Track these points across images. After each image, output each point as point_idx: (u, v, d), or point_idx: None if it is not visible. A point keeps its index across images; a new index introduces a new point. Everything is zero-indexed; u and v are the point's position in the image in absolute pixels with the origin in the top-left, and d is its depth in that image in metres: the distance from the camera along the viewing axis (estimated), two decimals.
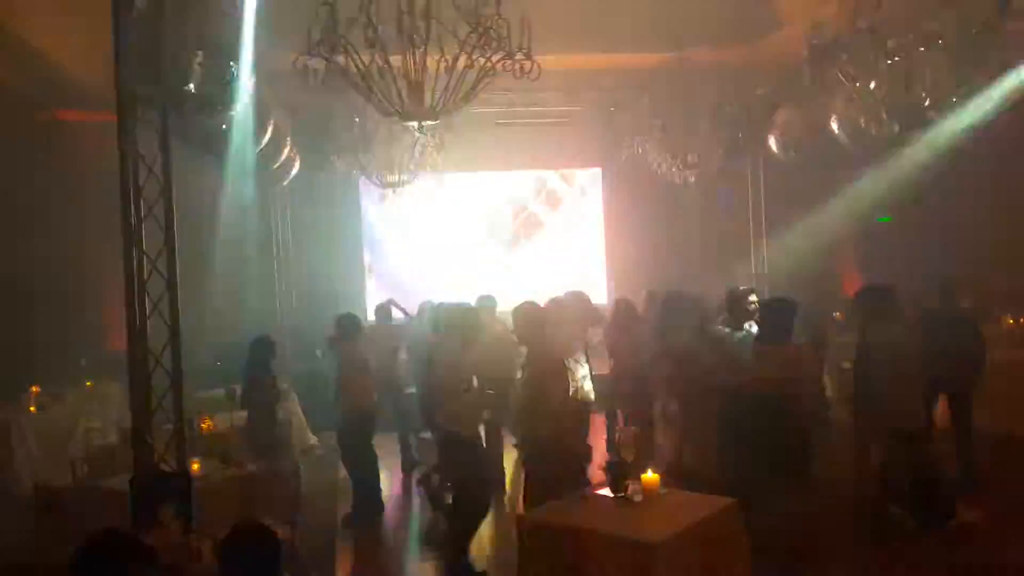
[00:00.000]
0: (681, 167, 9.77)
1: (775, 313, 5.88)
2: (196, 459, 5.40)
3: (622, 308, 7.80)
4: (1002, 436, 7.34)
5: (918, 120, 6.76)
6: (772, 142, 10.30)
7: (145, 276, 4.97)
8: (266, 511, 5.00)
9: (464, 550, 5.68)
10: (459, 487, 5.91)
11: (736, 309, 6.55)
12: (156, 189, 5.03)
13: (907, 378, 5.66)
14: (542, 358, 5.41)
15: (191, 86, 5.37)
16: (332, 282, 11.66)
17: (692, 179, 10.04)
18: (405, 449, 8.21)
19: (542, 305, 5.84)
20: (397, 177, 9.27)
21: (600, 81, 9.77)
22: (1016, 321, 9.00)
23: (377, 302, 9.29)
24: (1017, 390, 7.58)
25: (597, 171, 13.00)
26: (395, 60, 4.83)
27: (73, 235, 9.12)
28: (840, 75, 6.77)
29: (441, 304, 7.23)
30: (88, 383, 8.63)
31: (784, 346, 5.66)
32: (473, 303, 7.31)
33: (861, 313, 6.08)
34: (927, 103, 6.35)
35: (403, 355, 8.39)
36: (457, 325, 5.85)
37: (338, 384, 6.99)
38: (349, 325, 7.05)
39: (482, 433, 6.11)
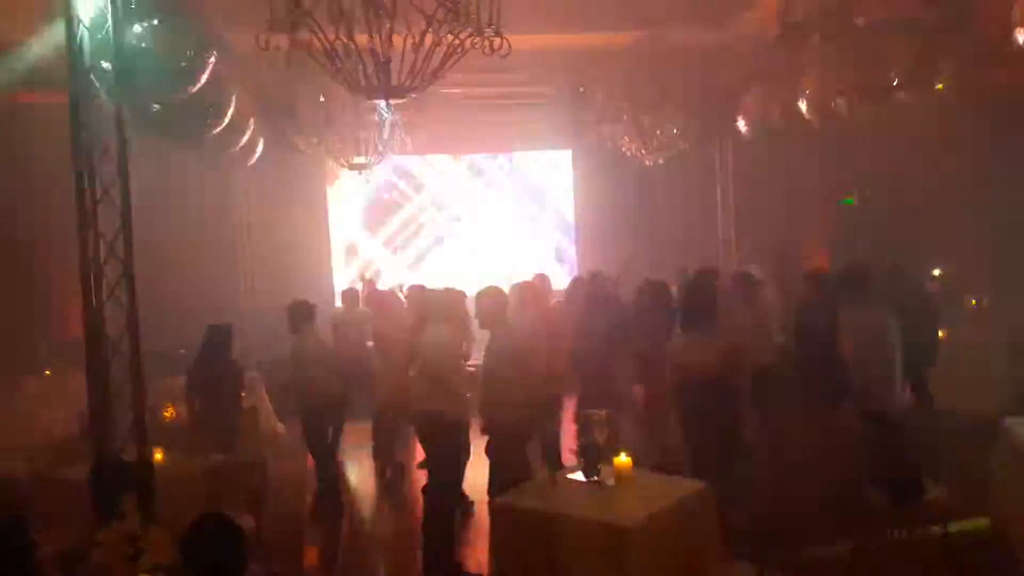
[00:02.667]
0: (649, 149, 9.71)
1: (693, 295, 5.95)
2: (159, 449, 5.28)
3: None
4: (964, 414, 7.44)
5: (887, 100, 6.77)
6: (741, 123, 10.28)
7: (102, 260, 4.80)
8: (231, 502, 4.90)
9: (446, 534, 5.54)
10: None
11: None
12: (113, 171, 4.85)
13: (885, 361, 5.67)
14: (506, 343, 5.36)
15: (147, 65, 5.19)
16: (298, 266, 11.49)
17: (660, 161, 9.99)
18: (377, 437, 8.09)
19: (505, 290, 5.79)
20: (364, 158, 9.08)
21: (570, 61, 9.65)
22: (979, 303, 9.12)
23: (344, 287, 9.15)
24: (978, 371, 7.73)
25: (567, 153, 12.90)
26: (361, 38, 4.69)
27: (23, 219, 8.85)
28: (811, 55, 6.76)
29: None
30: (47, 372, 8.40)
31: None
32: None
33: (838, 295, 6.04)
34: (896, 83, 6.35)
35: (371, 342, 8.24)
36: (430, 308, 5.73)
37: (299, 372, 6.76)
38: (301, 313, 6.74)
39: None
